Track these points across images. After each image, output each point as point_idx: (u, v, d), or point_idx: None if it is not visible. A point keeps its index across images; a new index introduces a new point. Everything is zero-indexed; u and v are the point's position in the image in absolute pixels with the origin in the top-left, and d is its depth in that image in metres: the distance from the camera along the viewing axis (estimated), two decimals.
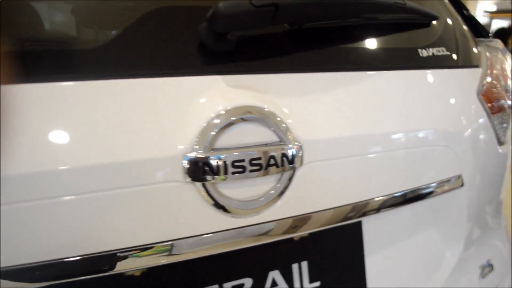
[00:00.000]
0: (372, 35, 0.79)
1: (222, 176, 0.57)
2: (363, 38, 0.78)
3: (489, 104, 0.94)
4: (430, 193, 0.83)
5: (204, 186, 0.58)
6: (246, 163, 0.58)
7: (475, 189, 0.92)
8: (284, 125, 0.62)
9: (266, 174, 0.60)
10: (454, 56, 0.91)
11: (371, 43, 0.79)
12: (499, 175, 1.01)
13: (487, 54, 1.00)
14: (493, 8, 11.38)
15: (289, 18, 0.67)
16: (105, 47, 0.58)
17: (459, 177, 0.87)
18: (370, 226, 0.80)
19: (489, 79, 0.96)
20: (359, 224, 0.79)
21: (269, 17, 0.62)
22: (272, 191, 0.63)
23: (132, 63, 0.58)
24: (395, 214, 0.82)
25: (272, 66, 0.67)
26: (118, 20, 0.62)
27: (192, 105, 0.59)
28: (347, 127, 0.69)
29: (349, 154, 0.70)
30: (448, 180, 0.85)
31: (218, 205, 0.59)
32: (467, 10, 1.10)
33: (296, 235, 0.69)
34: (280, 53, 0.69)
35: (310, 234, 0.72)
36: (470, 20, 1.08)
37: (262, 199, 0.62)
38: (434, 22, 0.90)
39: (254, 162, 0.59)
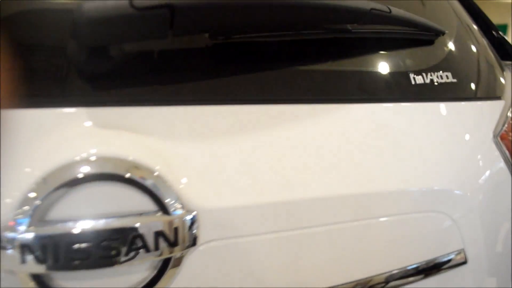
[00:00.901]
0: (333, 53, 0.57)
1: (53, 265, 0.37)
2: (318, 57, 0.55)
3: None
4: (413, 276, 0.59)
5: (31, 277, 0.38)
6: (93, 246, 0.38)
7: (484, 265, 0.67)
8: (174, 188, 0.42)
9: (130, 261, 0.40)
10: (465, 85, 0.68)
11: (329, 65, 0.56)
12: None
13: None
14: None
15: (200, 26, 0.47)
16: None
17: (460, 252, 0.63)
18: None
19: None
20: None
21: (164, 24, 0.42)
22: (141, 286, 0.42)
23: None
24: None
25: (171, 95, 0.47)
26: None
27: (23, 152, 0.39)
28: (278, 188, 0.47)
29: (281, 228, 0.47)
30: (443, 258, 0.61)
31: None
32: (496, 30, 0.94)
33: None
34: (188, 77, 0.48)
35: None
36: (497, 40, 0.85)
37: None
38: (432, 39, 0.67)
39: (106, 244, 0.38)
